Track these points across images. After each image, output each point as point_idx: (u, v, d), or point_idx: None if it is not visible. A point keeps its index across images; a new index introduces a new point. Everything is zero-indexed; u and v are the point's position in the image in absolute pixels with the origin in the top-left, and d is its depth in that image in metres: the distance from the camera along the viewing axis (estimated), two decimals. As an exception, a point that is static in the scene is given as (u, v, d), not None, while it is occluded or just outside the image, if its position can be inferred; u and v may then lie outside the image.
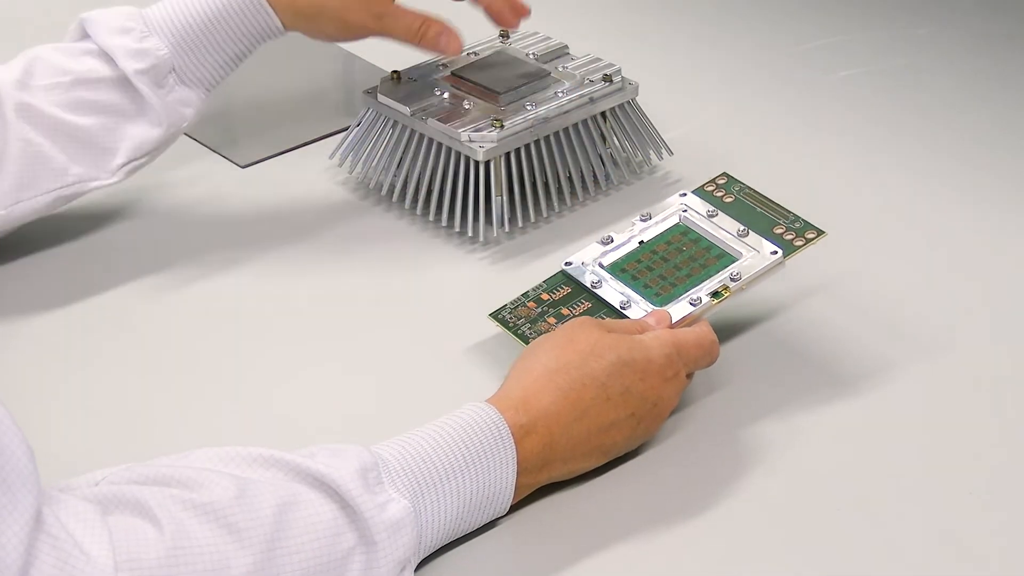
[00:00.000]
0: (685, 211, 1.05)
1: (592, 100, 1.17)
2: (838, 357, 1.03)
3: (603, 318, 0.98)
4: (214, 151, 1.27)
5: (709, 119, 1.30)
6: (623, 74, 1.19)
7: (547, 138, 1.16)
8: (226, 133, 1.31)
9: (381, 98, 1.18)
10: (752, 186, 1.05)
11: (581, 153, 1.18)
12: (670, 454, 0.95)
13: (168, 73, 1.11)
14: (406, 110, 1.16)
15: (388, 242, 1.16)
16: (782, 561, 0.88)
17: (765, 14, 1.45)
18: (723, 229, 1.02)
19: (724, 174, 1.07)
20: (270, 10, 1.11)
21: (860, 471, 0.94)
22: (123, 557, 0.75)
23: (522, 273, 1.11)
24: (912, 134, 1.28)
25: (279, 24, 1.12)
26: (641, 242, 1.04)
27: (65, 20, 1.47)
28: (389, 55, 1.37)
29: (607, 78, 1.18)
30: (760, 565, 0.88)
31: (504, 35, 1.25)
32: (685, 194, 1.06)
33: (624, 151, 1.21)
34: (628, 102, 1.20)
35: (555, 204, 1.18)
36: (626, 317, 0.99)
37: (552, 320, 1.00)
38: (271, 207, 1.21)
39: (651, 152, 1.23)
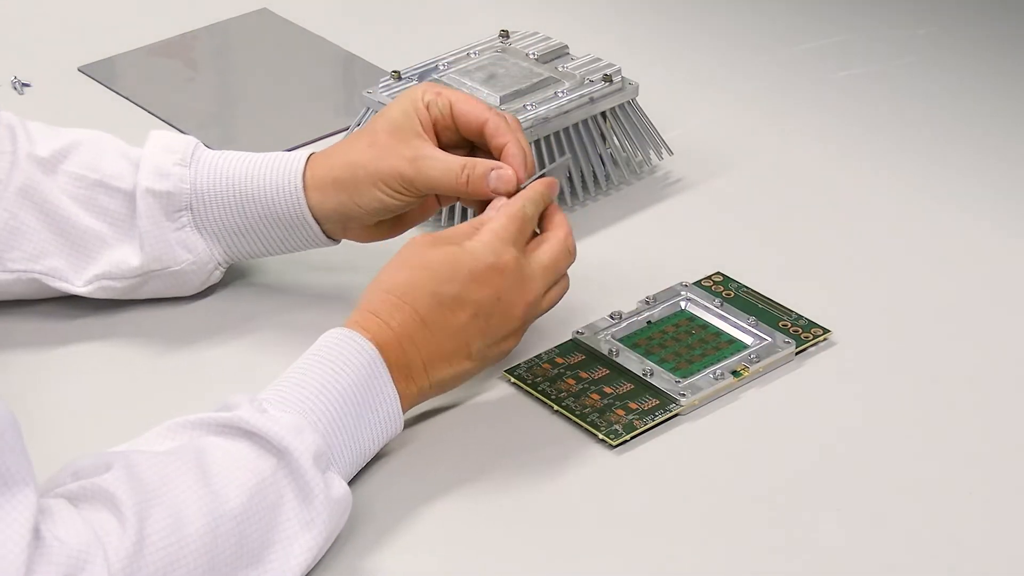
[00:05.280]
0: (688, 300, 1.06)
1: (592, 100, 1.17)
2: (843, 357, 1.03)
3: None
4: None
5: (709, 119, 1.30)
6: (623, 74, 1.19)
7: (547, 138, 1.16)
8: (226, 133, 1.31)
9: (381, 98, 1.18)
10: (748, 285, 1.08)
11: (581, 153, 1.18)
12: (670, 454, 0.96)
13: (182, 210, 1.04)
14: (406, 110, 1.16)
15: (387, 242, 1.15)
16: (781, 562, 0.88)
17: (765, 14, 1.45)
18: (730, 317, 1.04)
19: (718, 272, 1.09)
20: (312, 222, 1.03)
21: (861, 472, 0.94)
22: (102, 535, 0.78)
23: (522, 273, 1.11)
24: (912, 134, 1.28)
25: (320, 234, 1.05)
26: (649, 322, 1.04)
27: (64, 20, 1.47)
28: (389, 55, 1.37)
29: (607, 78, 1.18)
30: (759, 566, 0.88)
31: (504, 35, 1.25)
32: (686, 284, 1.07)
33: (624, 151, 1.21)
34: (628, 102, 1.19)
35: (555, 204, 1.17)
36: (653, 387, 0.99)
37: (571, 381, 1.00)
38: (271, 207, 1.20)
39: (651, 152, 1.23)
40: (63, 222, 1.04)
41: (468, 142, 1.04)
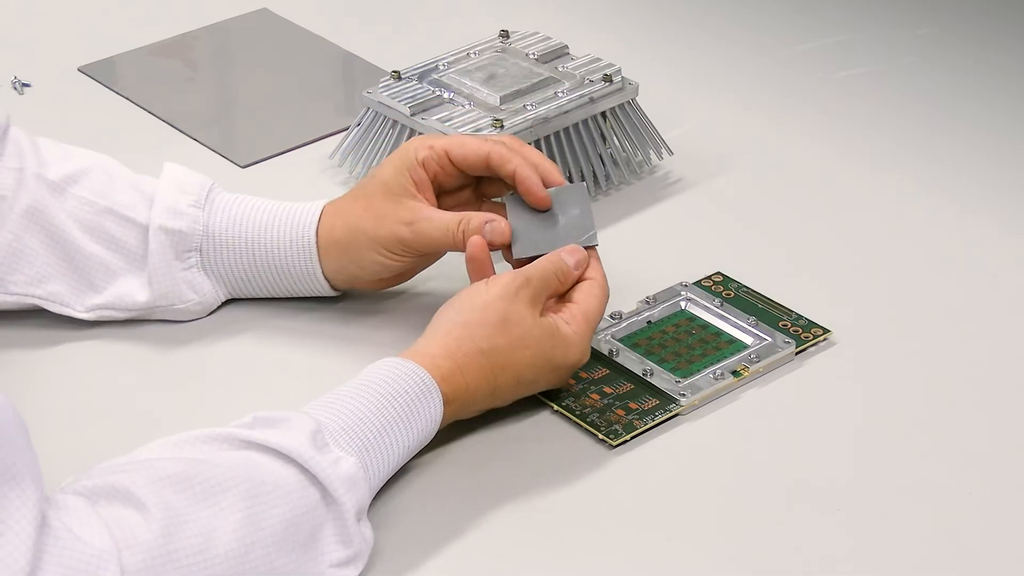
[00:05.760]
0: (688, 300, 1.06)
1: (592, 100, 1.17)
2: (843, 357, 1.03)
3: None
4: (214, 151, 1.27)
5: (709, 119, 1.30)
6: (623, 74, 1.19)
7: (547, 138, 1.16)
8: (226, 133, 1.31)
9: (381, 98, 1.18)
10: (748, 285, 1.08)
11: (581, 153, 1.18)
12: (670, 454, 0.96)
13: (192, 250, 1.04)
14: (406, 110, 1.16)
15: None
16: (781, 562, 0.88)
17: (765, 14, 1.45)
18: (730, 317, 1.04)
19: (718, 272, 1.09)
20: (321, 278, 1.04)
21: (861, 472, 0.94)
22: (120, 538, 0.77)
23: (522, 273, 1.11)
24: (912, 134, 1.28)
25: (328, 288, 1.05)
26: (649, 322, 1.04)
27: (64, 20, 1.47)
28: (389, 55, 1.37)
29: (607, 78, 1.18)
30: (759, 566, 0.88)
31: (504, 35, 1.25)
32: (686, 284, 1.07)
33: (624, 151, 1.21)
34: (628, 102, 1.19)
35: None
36: (653, 387, 0.99)
37: (571, 381, 0.99)
38: (271, 207, 1.20)
39: (651, 152, 1.23)
40: (68, 247, 1.04)
41: (474, 178, 1.05)
